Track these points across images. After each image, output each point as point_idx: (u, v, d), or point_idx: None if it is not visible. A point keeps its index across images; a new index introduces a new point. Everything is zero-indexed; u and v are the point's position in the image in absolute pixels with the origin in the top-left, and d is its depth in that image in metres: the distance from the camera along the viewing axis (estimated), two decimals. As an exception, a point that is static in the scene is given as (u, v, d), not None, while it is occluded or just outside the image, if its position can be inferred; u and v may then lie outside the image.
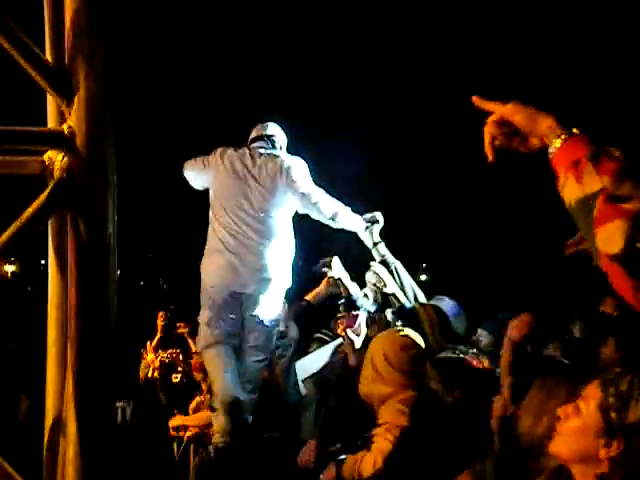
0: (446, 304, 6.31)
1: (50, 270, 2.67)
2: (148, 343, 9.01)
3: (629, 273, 1.98)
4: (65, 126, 2.45)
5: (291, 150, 7.10)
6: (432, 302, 6.25)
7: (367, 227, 6.79)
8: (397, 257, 6.75)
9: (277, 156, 6.82)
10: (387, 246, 6.85)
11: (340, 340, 6.27)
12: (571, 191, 2.12)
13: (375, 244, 6.75)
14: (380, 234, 6.83)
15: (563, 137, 2.23)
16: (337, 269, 6.88)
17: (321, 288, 7.10)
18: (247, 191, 6.72)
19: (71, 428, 2.38)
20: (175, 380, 8.48)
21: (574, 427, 2.53)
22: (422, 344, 4.95)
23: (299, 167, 6.75)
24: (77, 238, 2.40)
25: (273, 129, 7.03)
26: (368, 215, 6.84)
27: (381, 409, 4.74)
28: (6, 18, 2.43)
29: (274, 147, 6.93)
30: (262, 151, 6.86)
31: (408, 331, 5.02)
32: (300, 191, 6.66)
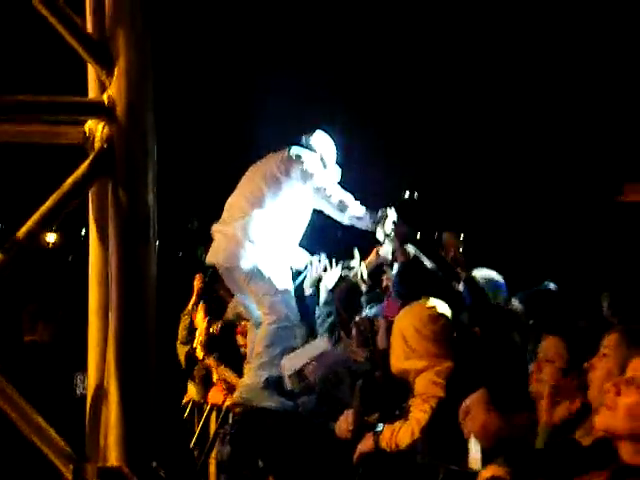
0: (485, 275, 6.30)
1: (90, 239, 2.69)
2: (189, 307, 9.06)
3: None
4: (105, 96, 2.46)
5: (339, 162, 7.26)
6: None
7: (378, 223, 6.94)
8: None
9: (289, 148, 6.98)
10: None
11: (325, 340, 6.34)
12: None
13: (387, 235, 6.88)
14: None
15: None
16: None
17: (371, 258, 7.19)
18: (251, 180, 7.01)
19: (113, 396, 2.41)
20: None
21: (633, 404, 2.41)
22: (449, 313, 4.91)
23: (308, 161, 6.86)
24: (117, 207, 2.42)
25: (311, 137, 7.18)
26: (379, 213, 6.99)
27: (417, 381, 4.73)
28: (47, -12, 2.44)
29: (304, 147, 7.07)
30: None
31: (434, 301, 4.98)
32: (314, 185, 6.81)
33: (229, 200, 7.11)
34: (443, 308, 4.88)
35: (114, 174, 2.41)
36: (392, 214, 6.98)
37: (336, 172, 7.24)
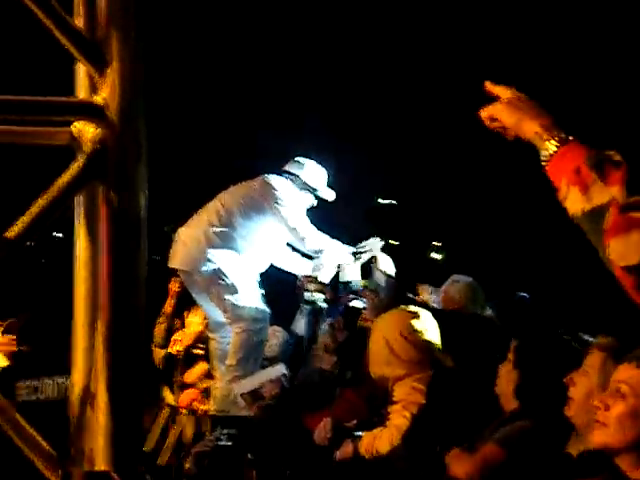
0: (462, 282, 6.35)
1: (78, 242, 2.66)
2: (165, 310, 9.00)
3: None
4: (98, 97, 2.45)
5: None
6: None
7: (356, 257, 7.14)
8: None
9: (266, 176, 7.23)
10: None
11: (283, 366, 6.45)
12: (576, 202, 2.05)
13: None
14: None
15: (554, 144, 2.15)
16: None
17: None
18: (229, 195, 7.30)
19: (101, 398, 2.39)
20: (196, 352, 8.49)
21: (623, 414, 2.41)
22: (433, 320, 4.91)
23: (282, 190, 7.00)
24: (109, 210, 2.40)
25: (289, 165, 7.38)
26: (361, 245, 7.19)
27: (396, 387, 4.73)
28: (39, -13, 2.41)
29: (283, 177, 7.30)
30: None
31: (416, 308, 4.97)
32: (280, 214, 6.95)
33: (204, 207, 7.19)
34: (425, 314, 4.88)
35: (106, 176, 2.40)
36: (375, 247, 7.13)
37: (328, 194, 7.35)
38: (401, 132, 15.08)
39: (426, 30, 14.35)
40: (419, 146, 15.17)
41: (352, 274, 7.12)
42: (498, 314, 6.17)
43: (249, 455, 5.76)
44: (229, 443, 6.43)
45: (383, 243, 7.24)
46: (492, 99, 2.34)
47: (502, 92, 2.32)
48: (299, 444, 5.37)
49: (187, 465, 7.12)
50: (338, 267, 7.15)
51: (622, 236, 1.93)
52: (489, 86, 2.36)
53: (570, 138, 2.15)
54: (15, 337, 7.51)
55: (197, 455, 6.67)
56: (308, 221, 7.13)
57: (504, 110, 2.27)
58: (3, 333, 7.67)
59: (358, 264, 7.13)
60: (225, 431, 6.61)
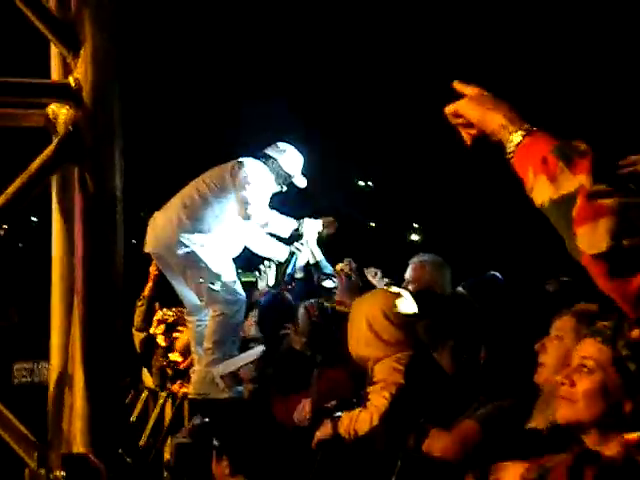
0: (430, 260, 6.36)
1: (54, 224, 2.65)
2: (144, 294, 8.95)
3: (610, 273, 1.92)
4: (71, 78, 2.42)
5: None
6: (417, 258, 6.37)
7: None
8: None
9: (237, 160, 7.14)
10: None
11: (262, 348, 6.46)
12: (543, 192, 2.04)
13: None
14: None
15: (520, 134, 2.16)
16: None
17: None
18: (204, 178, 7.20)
19: (78, 382, 2.38)
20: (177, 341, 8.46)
21: (590, 390, 2.39)
22: (411, 300, 4.89)
23: (250, 172, 6.98)
24: (84, 191, 2.38)
25: (269, 148, 7.28)
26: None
27: (376, 368, 4.71)
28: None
29: (258, 158, 7.20)
30: None
31: (397, 289, 4.96)
32: (240, 193, 6.94)
33: (180, 191, 7.21)
34: (406, 294, 4.86)
35: (81, 158, 2.38)
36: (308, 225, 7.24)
37: (301, 181, 7.37)
38: (378, 116, 15.11)
39: (404, 27, 14.39)
40: (396, 131, 15.21)
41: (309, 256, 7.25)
42: (471, 294, 6.17)
43: (215, 442, 5.74)
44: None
45: (317, 224, 7.36)
46: (458, 97, 2.35)
47: (469, 90, 2.32)
48: (268, 428, 5.36)
49: (167, 456, 7.11)
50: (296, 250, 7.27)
51: (590, 224, 1.94)
52: (457, 85, 2.36)
53: (534, 129, 2.15)
54: None
55: (177, 447, 6.63)
56: (268, 205, 7.17)
57: (468, 105, 2.28)
58: None
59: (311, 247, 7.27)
60: (207, 420, 6.58)
